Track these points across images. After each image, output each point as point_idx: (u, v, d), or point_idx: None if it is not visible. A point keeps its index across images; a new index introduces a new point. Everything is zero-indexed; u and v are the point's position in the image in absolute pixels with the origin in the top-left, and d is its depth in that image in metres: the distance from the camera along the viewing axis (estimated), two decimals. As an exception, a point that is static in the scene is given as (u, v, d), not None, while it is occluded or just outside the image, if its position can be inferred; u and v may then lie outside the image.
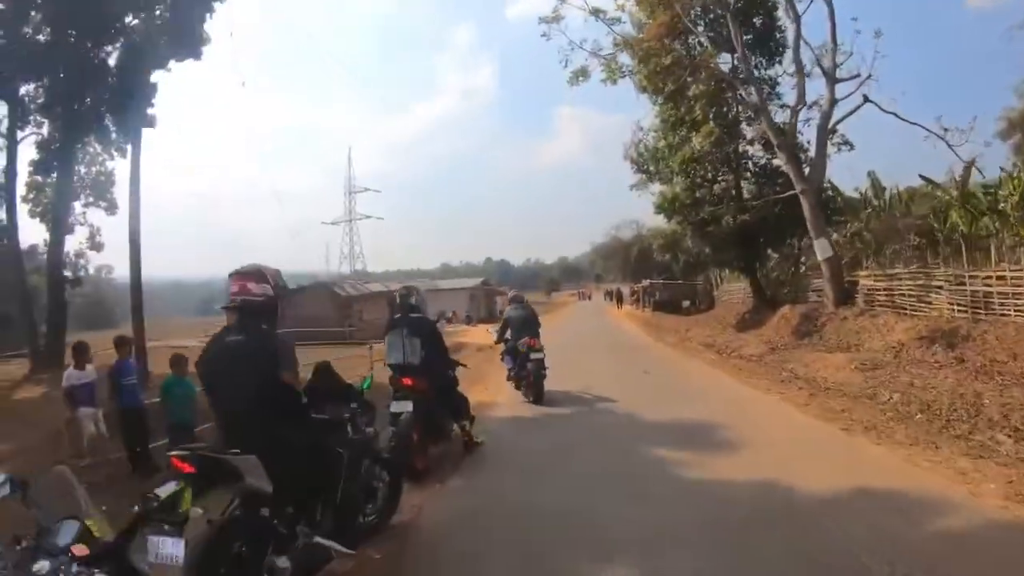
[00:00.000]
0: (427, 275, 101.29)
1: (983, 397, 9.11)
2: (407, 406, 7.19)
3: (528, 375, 11.61)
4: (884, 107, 19.47)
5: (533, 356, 11.56)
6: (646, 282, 48.78)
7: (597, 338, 26.10)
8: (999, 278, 13.01)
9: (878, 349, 14.02)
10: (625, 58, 23.39)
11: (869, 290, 17.50)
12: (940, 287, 14.68)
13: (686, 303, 41.25)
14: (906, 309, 15.75)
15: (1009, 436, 7.23)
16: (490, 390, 13.14)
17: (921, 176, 22.06)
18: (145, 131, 20.66)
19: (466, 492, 6.65)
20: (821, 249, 18.44)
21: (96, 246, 27.87)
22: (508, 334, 12.46)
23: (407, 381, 7.49)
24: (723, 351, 18.24)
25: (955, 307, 14.09)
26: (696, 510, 5.48)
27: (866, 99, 19.33)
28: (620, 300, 55.02)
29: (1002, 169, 18.02)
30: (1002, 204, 15.96)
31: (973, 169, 19.30)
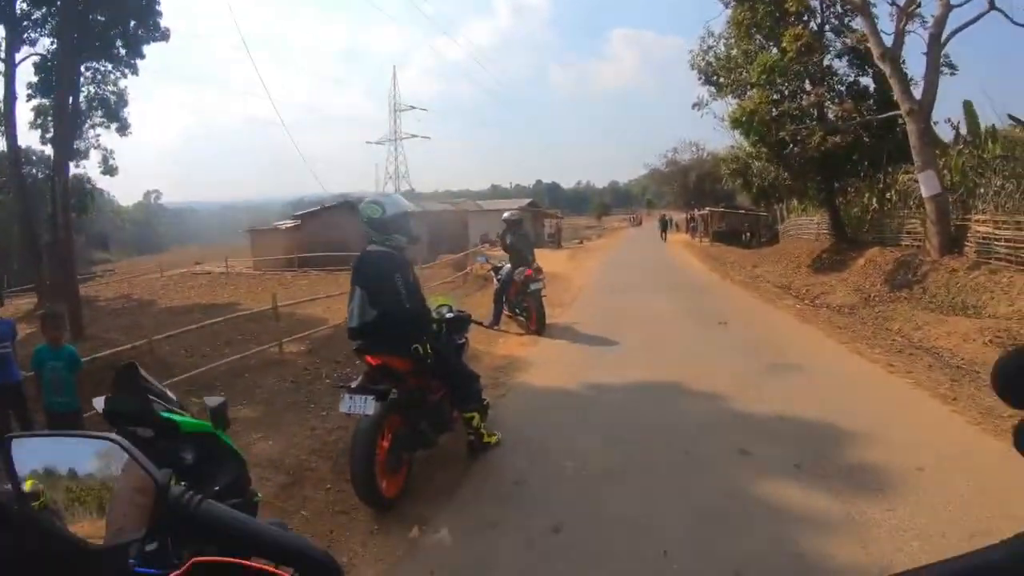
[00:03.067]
0: (477, 196, 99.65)
1: None
2: (364, 404, 4.64)
3: (530, 307, 11.67)
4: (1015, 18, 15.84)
5: (532, 287, 11.52)
6: (705, 210, 45.81)
7: (655, 272, 23.82)
8: None
9: (1007, 316, 11.04)
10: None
11: (984, 238, 14.33)
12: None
13: (746, 235, 38.56)
14: (1040, 268, 12.42)
15: None
16: (523, 340, 11.04)
17: (1011, 116, 18.77)
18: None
19: (460, 553, 4.19)
20: (927, 184, 15.27)
21: (110, 170, 25.94)
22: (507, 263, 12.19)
23: (371, 359, 4.95)
24: (805, 297, 15.68)
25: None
26: None
27: (992, 5, 15.74)
28: (665, 229, 49.90)
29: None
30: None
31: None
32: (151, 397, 2.77)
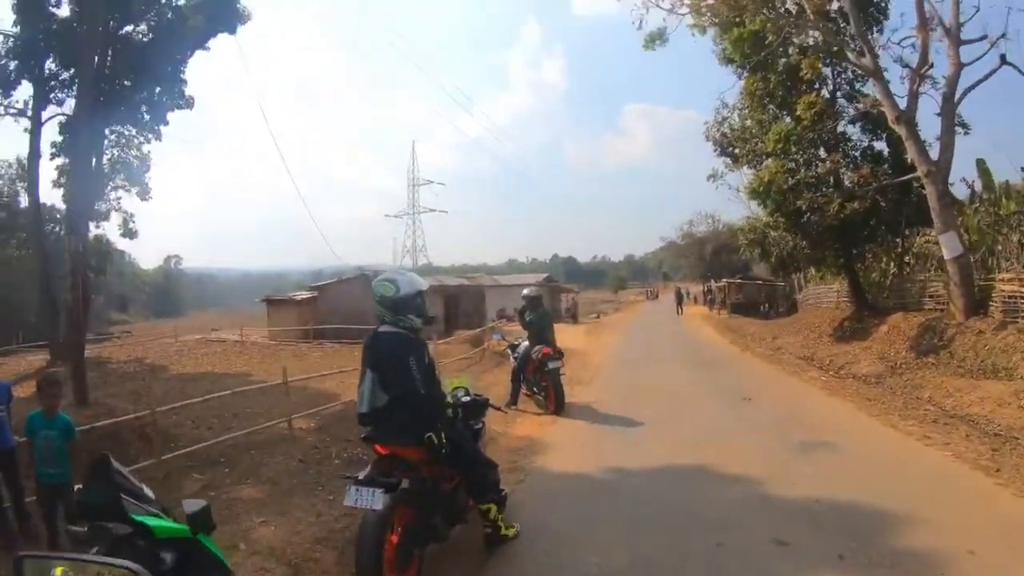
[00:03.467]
0: (493, 270, 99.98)
1: None
2: (372, 498, 4.28)
3: (548, 386, 11.31)
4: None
5: (551, 365, 11.23)
6: (722, 281, 45.57)
7: (673, 346, 23.36)
8: None
9: None
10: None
11: (1010, 297, 13.96)
12: None
13: (764, 306, 38.23)
14: (1070, 328, 11.96)
15: None
16: (542, 421, 10.67)
17: None
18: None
19: None
20: (949, 245, 15.04)
21: (130, 233, 26.40)
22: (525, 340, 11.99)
23: (380, 448, 4.61)
24: (829, 368, 15.26)
25: None
26: None
27: (1004, 61, 15.88)
28: (680, 302, 47.91)
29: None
30: None
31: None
32: (124, 496, 2.58)
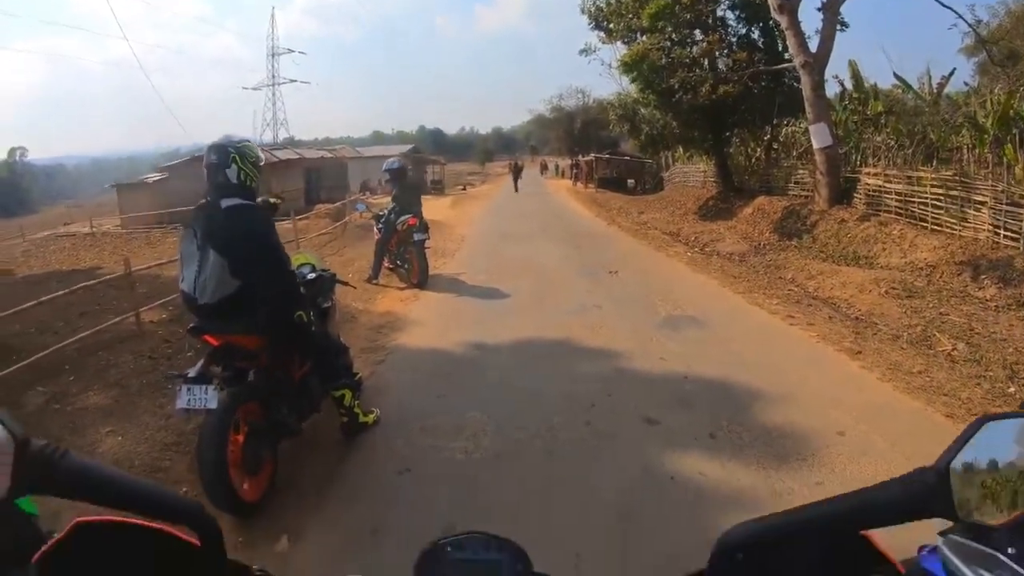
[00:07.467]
0: (358, 143, 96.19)
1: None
2: (206, 396, 3.75)
3: (412, 258, 11.00)
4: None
5: (416, 237, 10.86)
6: (590, 156, 45.51)
7: (540, 218, 23.14)
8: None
9: (900, 267, 11.10)
10: None
11: (874, 192, 14.38)
12: (983, 203, 11.13)
13: (631, 182, 38.55)
14: (927, 222, 12.40)
15: None
16: (405, 295, 10.36)
17: (896, 76, 19.19)
18: None
19: (335, 570, 3.39)
20: (819, 136, 15.31)
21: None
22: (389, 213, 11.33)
23: (210, 339, 3.98)
24: (694, 244, 15.43)
25: (1001, 232, 10.63)
26: None
27: None
28: (517, 176, 45.34)
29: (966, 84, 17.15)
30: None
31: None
32: None
